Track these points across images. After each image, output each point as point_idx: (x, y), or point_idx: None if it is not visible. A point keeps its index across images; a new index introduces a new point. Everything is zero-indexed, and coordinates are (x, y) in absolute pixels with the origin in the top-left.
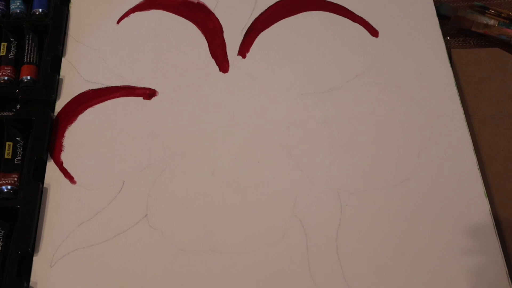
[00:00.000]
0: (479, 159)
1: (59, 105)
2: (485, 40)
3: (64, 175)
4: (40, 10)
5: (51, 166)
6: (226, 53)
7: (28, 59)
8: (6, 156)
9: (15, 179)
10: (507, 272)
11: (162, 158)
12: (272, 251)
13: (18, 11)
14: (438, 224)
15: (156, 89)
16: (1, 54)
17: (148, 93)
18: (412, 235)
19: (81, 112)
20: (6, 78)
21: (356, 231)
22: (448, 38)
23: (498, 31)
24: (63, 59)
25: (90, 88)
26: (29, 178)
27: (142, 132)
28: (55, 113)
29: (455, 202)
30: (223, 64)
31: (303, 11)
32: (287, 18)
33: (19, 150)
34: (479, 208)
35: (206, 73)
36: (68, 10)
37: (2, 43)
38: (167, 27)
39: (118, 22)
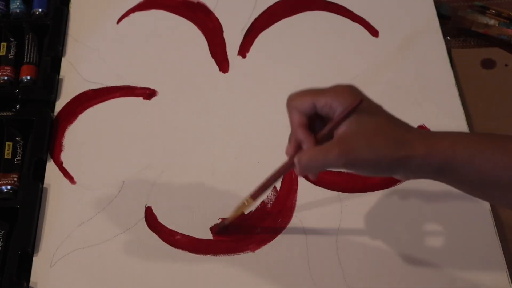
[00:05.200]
0: None
1: (59, 105)
2: (485, 40)
3: (64, 175)
4: (40, 10)
5: (51, 166)
6: (226, 53)
7: (28, 59)
8: (6, 156)
9: (15, 179)
10: (507, 272)
11: (162, 158)
12: (272, 251)
13: (18, 11)
14: (438, 224)
15: (156, 89)
16: (0, 54)
17: (148, 93)
18: (412, 235)
19: (81, 112)
20: (6, 78)
21: (356, 231)
22: (448, 38)
23: (498, 31)
24: (63, 59)
25: (90, 88)
26: (29, 178)
27: (142, 132)
28: (55, 113)
29: (455, 202)
30: (223, 64)
31: (303, 11)
32: (287, 18)
33: (19, 150)
34: (479, 208)
35: (206, 73)
36: (68, 10)
37: (2, 43)
38: (167, 27)
39: (118, 22)
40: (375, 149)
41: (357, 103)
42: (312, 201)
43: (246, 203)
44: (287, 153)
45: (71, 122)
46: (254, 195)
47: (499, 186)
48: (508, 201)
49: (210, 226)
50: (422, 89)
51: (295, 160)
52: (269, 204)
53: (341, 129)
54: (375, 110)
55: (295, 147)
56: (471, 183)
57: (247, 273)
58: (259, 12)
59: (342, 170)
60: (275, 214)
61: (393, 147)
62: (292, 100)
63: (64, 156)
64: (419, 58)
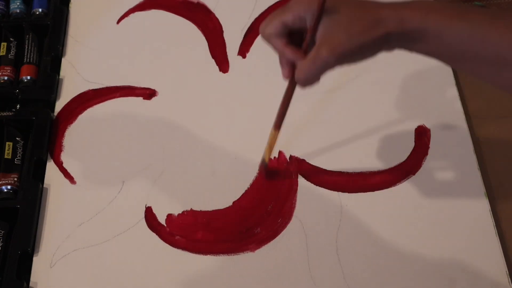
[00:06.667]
0: (479, 159)
1: (59, 105)
2: None
3: (64, 175)
4: (40, 10)
5: (51, 166)
6: (226, 53)
7: (28, 59)
8: (6, 156)
9: (15, 179)
10: (507, 272)
11: (162, 158)
12: (272, 251)
13: (18, 11)
14: (438, 224)
15: (156, 89)
16: (0, 54)
17: (148, 93)
18: (412, 235)
19: (81, 112)
20: (6, 78)
21: (356, 231)
22: None
23: None
24: (63, 59)
25: (90, 88)
26: (29, 178)
27: (142, 132)
28: (55, 113)
29: (455, 202)
30: (223, 64)
31: None
32: None
33: (19, 150)
34: (479, 208)
35: (206, 73)
36: (68, 10)
37: (2, 43)
38: (167, 27)
39: (118, 22)
40: (355, 37)
41: (321, 4)
42: (312, 201)
43: (272, 134)
44: (284, 76)
45: (71, 122)
46: (276, 125)
47: (467, 59)
48: (477, 73)
49: (210, 225)
50: (422, 89)
51: (296, 78)
52: (269, 204)
53: (320, 32)
54: (341, 1)
55: (289, 68)
56: (442, 55)
57: (247, 273)
58: (259, 12)
59: (336, 68)
60: (275, 214)
61: (371, 30)
62: (265, 30)
63: (64, 156)
64: (419, 58)
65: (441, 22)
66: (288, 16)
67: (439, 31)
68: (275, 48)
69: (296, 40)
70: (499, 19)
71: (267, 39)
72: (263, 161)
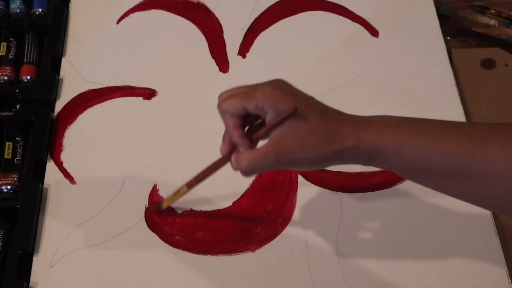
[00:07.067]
0: None
1: (59, 105)
2: (485, 40)
3: (64, 175)
4: (40, 10)
5: (51, 166)
6: (226, 53)
7: (28, 59)
8: (6, 156)
9: (15, 179)
10: (507, 272)
11: (162, 158)
12: (272, 251)
13: (18, 11)
14: (438, 224)
15: (156, 89)
16: (0, 54)
17: (148, 93)
18: (412, 235)
19: (81, 112)
20: (5, 78)
21: (356, 231)
22: (448, 38)
23: (498, 31)
24: (63, 59)
25: (90, 88)
26: (29, 178)
27: (142, 132)
28: (55, 113)
29: (455, 202)
30: (223, 64)
31: (303, 11)
32: (287, 18)
33: (19, 150)
34: (479, 208)
35: (206, 73)
36: (68, 10)
37: (2, 43)
38: (167, 27)
39: (118, 22)
40: (309, 149)
41: (291, 112)
42: (312, 201)
43: (181, 190)
44: (221, 152)
45: (71, 122)
46: (190, 184)
47: (427, 173)
48: (440, 187)
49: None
50: (422, 89)
51: (233, 160)
52: (269, 204)
53: (277, 132)
54: (307, 108)
55: (229, 147)
56: (401, 170)
57: (247, 273)
58: (259, 12)
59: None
60: (275, 214)
61: (325, 144)
62: (223, 103)
63: (64, 156)
64: (419, 58)
65: (398, 139)
66: (251, 104)
67: (397, 147)
68: (225, 124)
69: (251, 118)
70: (457, 130)
71: (221, 112)
72: (159, 205)
